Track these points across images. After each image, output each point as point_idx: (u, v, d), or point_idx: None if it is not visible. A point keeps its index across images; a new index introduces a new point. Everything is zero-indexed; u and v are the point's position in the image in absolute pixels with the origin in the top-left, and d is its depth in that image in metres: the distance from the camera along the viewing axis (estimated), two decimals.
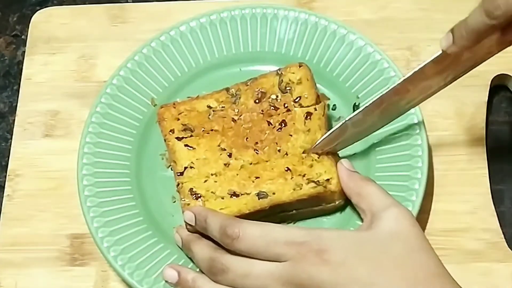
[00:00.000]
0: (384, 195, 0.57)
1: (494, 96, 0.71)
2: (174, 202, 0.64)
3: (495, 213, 0.64)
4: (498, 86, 0.71)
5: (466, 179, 0.66)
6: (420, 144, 0.63)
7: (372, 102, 0.60)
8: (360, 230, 0.57)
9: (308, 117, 0.63)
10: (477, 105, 0.69)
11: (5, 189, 0.68)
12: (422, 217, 0.63)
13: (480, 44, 0.54)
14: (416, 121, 0.64)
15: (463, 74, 0.59)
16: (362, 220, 0.61)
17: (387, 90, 0.59)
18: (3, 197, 0.68)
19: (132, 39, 0.73)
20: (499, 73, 0.70)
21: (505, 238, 0.63)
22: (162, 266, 0.60)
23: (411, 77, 0.58)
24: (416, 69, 0.58)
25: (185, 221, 0.60)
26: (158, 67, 0.70)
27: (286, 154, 0.62)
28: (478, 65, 0.58)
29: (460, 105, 0.69)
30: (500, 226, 0.64)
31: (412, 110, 0.64)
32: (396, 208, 0.55)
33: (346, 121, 0.61)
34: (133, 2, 0.78)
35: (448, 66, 0.58)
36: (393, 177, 0.63)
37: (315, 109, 0.63)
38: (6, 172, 0.69)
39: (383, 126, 0.63)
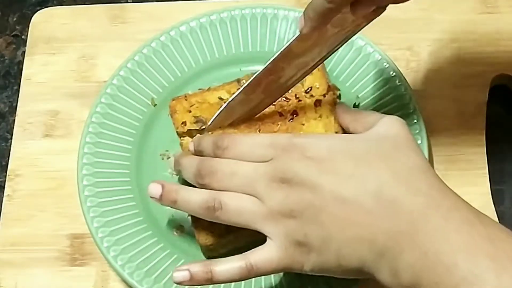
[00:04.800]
0: (379, 113, 0.58)
1: (494, 96, 0.71)
2: None
3: (495, 213, 0.64)
4: (498, 86, 0.71)
5: (466, 179, 0.66)
6: (420, 144, 0.63)
7: (249, 82, 0.60)
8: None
9: (318, 104, 0.63)
10: (477, 105, 0.69)
11: (5, 189, 0.68)
12: None
13: (342, 19, 0.56)
14: (416, 121, 0.64)
15: (339, 47, 0.60)
16: None
17: (261, 69, 0.59)
18: (3, 197, 0.68)
19: (132, 39, 0.73)
20: (499, 73, 0.70)
21: None
22: (162, 266, 0.60)
23: (279, 56, 0.58)
24: (282, 49, 0.58)
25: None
26: (158, 67, 0.70)
27: None
28: (352, 36, 0.59)
29: (460, 105, 0.69)
30: None
31: (412, 110, 0.64)
32: (388, 117, 0.56)
33: (230, 101, 0.61)
34: (133, 2, 0.78)
35: (317, 43, 0.58)
36: None
37: (324, 96, 0.63)
38: (6, 172, 0.69)
39: (275, 101, 0.63)
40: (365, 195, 0.50)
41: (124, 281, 0.60)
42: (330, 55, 0.60)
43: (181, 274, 0.54)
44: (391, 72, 0.67)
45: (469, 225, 0.48)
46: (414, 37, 0.72)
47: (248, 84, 0.60)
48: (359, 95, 0.67)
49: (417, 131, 0.64)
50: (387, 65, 0.67)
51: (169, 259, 0.61)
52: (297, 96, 0.64)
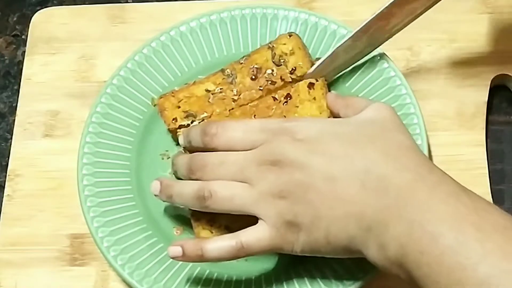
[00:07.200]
0: (369, 99, 0.60)
1: (494, 96, 0.71)
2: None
3: None
4: (498, 86, 0.71)
5: (466, 179, 0.65)
6: (420, 144, 0.63)
7: (360, 28, 0.62)
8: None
9: (311, 87, 0.63)
10: (477, 105, 0.69)
11: (5, 189, 0.68)
12: None
13: None
14: (416, 121, 0.64)
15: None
16: None
17: (373, 15, 0.61)
18: (3, 197, 0.68)
19: (132, 39, 0.73)
20: (499, 73, 0.70)
21: None
22: (162, 266, 0.60)
23: (396, 1, 0.60)
24: None
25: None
26: (158, 67, 0.70)
27: None
28: None
29: (460, 105, 0.69)
30: None
31: (412, 110, 0.65)
32: (377, 103, 0.58)
33: (337, 48, 0.63)
34: (133, 2, 0.78)
35: None
36: None
37: (317, 80, 0.64)
38: (6, 172, 0.69)
39: (372, 51, 0.65)
40: (353, 173, 0.51)
41: (124, 281, 0.60)
42: (437, 2, 0.61)
43: (175, 249, 0.55)
44: (391, 72, 0.67)
45: (455, 197, 0.49)
46: (414, 37, 0.72)
47: (358, 30, 0.62)
48: (359, 95, 0.67)
49: (417, 131, 0.64)
50: (387, 65, 0.67)
51: (169, 259, 0.60)
52: (282, 78, 0.64)
